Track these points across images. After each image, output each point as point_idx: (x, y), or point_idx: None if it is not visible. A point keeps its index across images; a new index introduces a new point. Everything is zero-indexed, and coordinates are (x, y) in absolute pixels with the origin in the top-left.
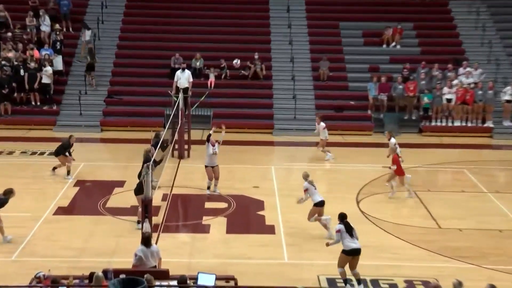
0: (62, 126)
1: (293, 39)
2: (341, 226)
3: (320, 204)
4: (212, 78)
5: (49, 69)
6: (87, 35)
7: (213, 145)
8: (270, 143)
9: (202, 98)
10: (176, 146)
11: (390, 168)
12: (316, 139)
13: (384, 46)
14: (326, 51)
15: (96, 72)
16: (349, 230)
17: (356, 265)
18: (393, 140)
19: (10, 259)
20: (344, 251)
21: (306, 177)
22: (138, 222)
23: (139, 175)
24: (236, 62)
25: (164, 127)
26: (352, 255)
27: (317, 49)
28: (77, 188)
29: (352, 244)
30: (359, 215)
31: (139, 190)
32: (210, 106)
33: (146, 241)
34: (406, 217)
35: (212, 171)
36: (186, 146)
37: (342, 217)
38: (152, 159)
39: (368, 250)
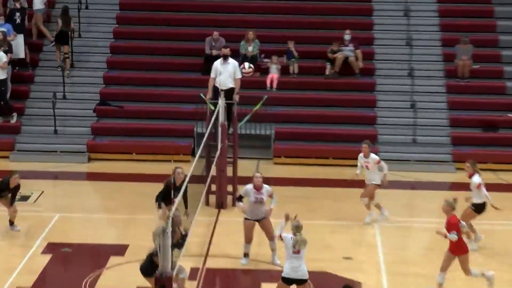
0: (25, 152)
1: (411, 8)
2: None
3: (286, 282)
4: (274, 73)
5: (1, 56)
6: (37, 1)
7: (259, 190)
8: None
9: (258, 106)
10: (213, 188)
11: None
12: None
13: None
14: (467, 28)
15: (80, 55)
16: None
17: None
18: (476, 179)
19: None
20: None
21: (295, 230)
22: None
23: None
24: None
25: (193, 155)
26: None
27: (453, 24)
28: (48, 257)
29: None
30: None
31: (147, 269)
32: (271, 121)
33: None
34: None
35: (260, 227)
36: (229, 188)
37: None
38: (170, 220)
39: None
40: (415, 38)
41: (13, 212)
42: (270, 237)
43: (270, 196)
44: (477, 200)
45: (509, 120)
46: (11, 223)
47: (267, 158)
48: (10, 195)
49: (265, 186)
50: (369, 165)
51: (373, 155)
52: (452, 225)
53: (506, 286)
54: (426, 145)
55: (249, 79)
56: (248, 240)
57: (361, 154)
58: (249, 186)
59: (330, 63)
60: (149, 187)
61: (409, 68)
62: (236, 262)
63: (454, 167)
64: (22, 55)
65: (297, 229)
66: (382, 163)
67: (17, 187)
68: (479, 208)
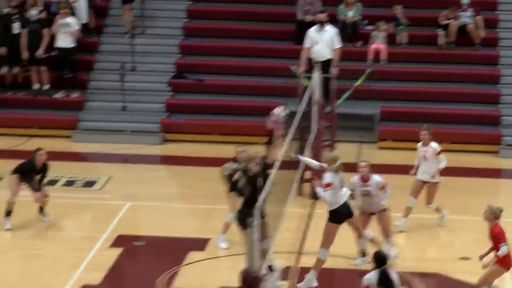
0: (90, 131)
1: None
2: (372, 278)
3: (338, 217)
4: (379, 43)
5: (70, 21)
6: None
7: (366, 181)
8: (494, 173)
9: (359, 81)
10: (306, 175)
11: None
12: None
13: None
14: None
15: (152, 20)
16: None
17: None
18: None
19: None
20: None
21: (332, 160)
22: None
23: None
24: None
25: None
26: None
27: None
28: (118, 251)
29: None
30: None
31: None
32: (375, 98)
33: None
34: None
35: (370, 220)
36: None
37: (381, 261)
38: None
39: None
40: None
41: (43, 198)
42: (387, 230)
43: (382, 188)
44: None
45: None
46: (41, 210)
47: (370, 142)
48: (38, 177)
49: (375, 177)
50: (428, 154)
51: (433, 144)
52: (497, 235)
53: None
54: None
55: (350, 49)
56: (359, 234)
57: (420, 143)
58: (355, 178)
59: (444, 31)
60: None
61: None
62: (338, 260)
63: None
64: (85, 19)
65: (333, 162)
66: (442, 155)
67: (45, 166)
68: None
